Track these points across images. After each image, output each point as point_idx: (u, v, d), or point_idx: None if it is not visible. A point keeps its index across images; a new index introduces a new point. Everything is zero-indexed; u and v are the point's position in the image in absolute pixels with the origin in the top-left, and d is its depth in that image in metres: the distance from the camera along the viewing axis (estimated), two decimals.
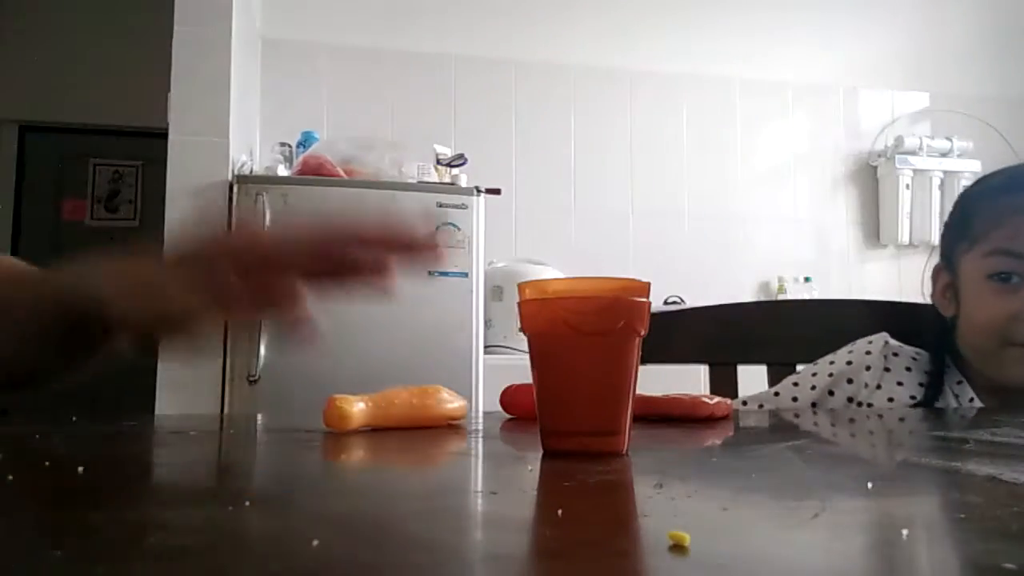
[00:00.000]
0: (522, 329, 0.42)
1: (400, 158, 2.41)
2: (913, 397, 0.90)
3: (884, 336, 0.97)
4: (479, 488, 0.33)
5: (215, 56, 2.19)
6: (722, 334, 1.09)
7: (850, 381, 0.93)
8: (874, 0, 2.99)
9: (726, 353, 1.02)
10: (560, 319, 0.39)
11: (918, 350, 0.95)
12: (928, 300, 1.00)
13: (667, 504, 0.28)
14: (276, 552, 0.21)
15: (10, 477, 0.29)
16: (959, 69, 3.24)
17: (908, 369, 0.93)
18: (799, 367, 1.02)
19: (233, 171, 2.27)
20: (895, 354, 0.94)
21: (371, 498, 0.30)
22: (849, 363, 0.94)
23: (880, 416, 0.76)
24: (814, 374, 0.95)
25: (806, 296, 2.97)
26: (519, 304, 0.42)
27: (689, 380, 1.18)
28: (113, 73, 3.15)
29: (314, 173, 2.33)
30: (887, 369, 0.93)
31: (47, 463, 0.36)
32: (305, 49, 2.95)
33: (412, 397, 0.55)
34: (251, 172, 2.42)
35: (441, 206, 2.38)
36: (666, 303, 2.93)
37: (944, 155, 3.13)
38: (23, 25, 3.30)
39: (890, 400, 0.91)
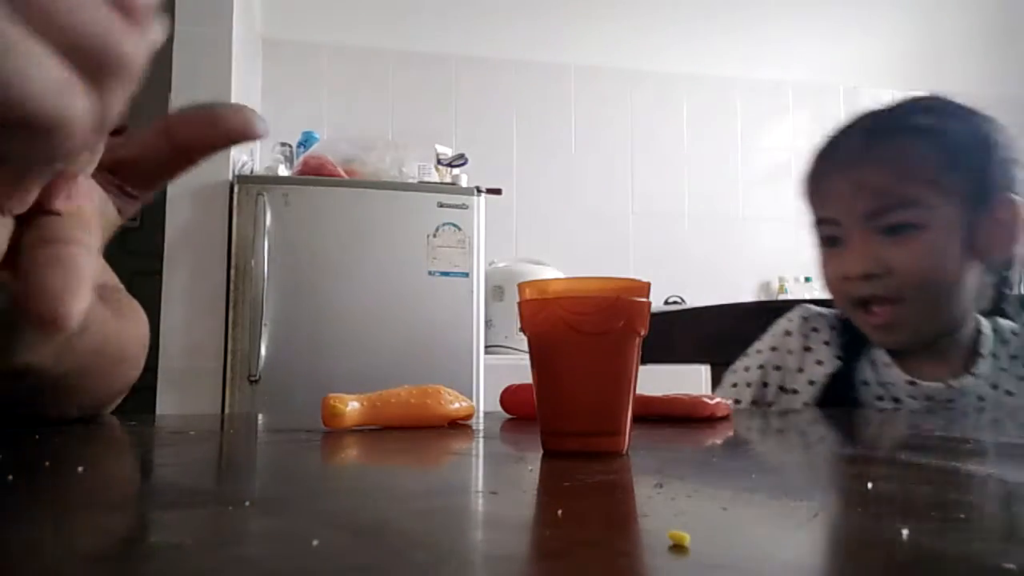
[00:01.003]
0: (522, 329, 0.42)
1: (401, 158, 2.41)
2: (831, 375, 0.90)
3: (802, 309, 0.96)
4: (479, 488, 0.33)
5: (215, 56, 2.19)
6: (722, 334, 1.09)
7: (777, 368, 0.93)
8: (874, 0, 2.99)
9: (727, 353, 1.02)
10: (560, 319, 0.39)
11: (839, 314, 0.94)
12: None
13: (667, 504, 0.28)
14: (276, 552, 0.21)
15: (10, 477, 0.29)
16: (959, 69, 3.24)
17: (826, 343, 0.92)
18: None
19: (234, 171, 2.27)
20: (815, 329, 0.94)
21: (371, 498, 0.30)
22: (774, 348, 0.94)
23: (879, 413, 0.76)
24: (747, 368, 0.95)
25: (807, 296, 2.97)
26: (519, 304, 0.42)
27: (689, 380, 1.19)
28: None
29: (315, 173, 2.33)
30: (807, 348, 0.93)
31: (47, 463, 0.36)
32: (305, 49, 2.95)
33: (411, 397, 0.55)
34: (252, 172, 2.42)
35: (442, 206, 2.39)
36: (666, 303, 2.93)
37: None
38: None
39: (811, 383, 0.90)
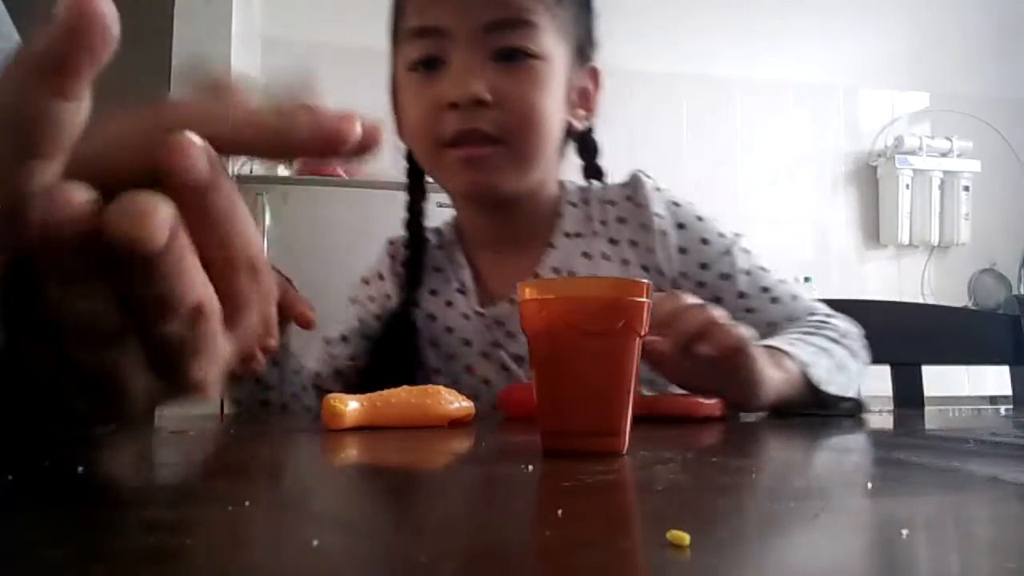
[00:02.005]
0: (522, 329, 0.42)
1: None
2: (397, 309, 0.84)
3: (386, 244, 0.93)
4: (479, 488, 0.33)
5: (215, 56, 2.19)
6: None
7: (372, 299, 0.89)
8: (874, 0, 2.98)
9: None
10: (560, 319, 0.39)
11: (437, 229, 0.91)
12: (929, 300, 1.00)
13: (667, 504, 0.28)
14: (276, 552, 0.21)
15: (10, 477, 0.29)
16: (959, 69, 3.24)
17: (397, 274, 0.88)
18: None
19: (233, 170, 2.26)
20: (392, 256, 0.90)
21: (371, 498, 0.30)
22: (365, 282, 0.90)
23: (880, 412, 0.76)
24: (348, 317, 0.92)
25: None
26: (519, 304, 0.42)
27: None
28: (112, 73, 3.15)
29: (314, 173, 2.33)
30: (381, 277, 0.90)
31: (47, 463, 0.36)
32: (305, 49, 2.94)
33: (411, 397, 0.55)
34: (251, 171, 2.42)
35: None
36: None
37: (944, 155, 3.13)
38: (22, 25, 3.30)
39: (377, 319, 0.86)
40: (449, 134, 0.74)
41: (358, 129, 0.27)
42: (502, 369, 0.81)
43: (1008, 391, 1.12)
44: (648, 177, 0.87)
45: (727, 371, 0.60)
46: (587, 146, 0.90)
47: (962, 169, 3.12)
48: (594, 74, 0.85)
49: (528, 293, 0.41)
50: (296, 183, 2.27)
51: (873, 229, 3.23)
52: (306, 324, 0.66)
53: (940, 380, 1.17)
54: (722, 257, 0.82)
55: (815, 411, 0.70)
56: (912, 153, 3.11)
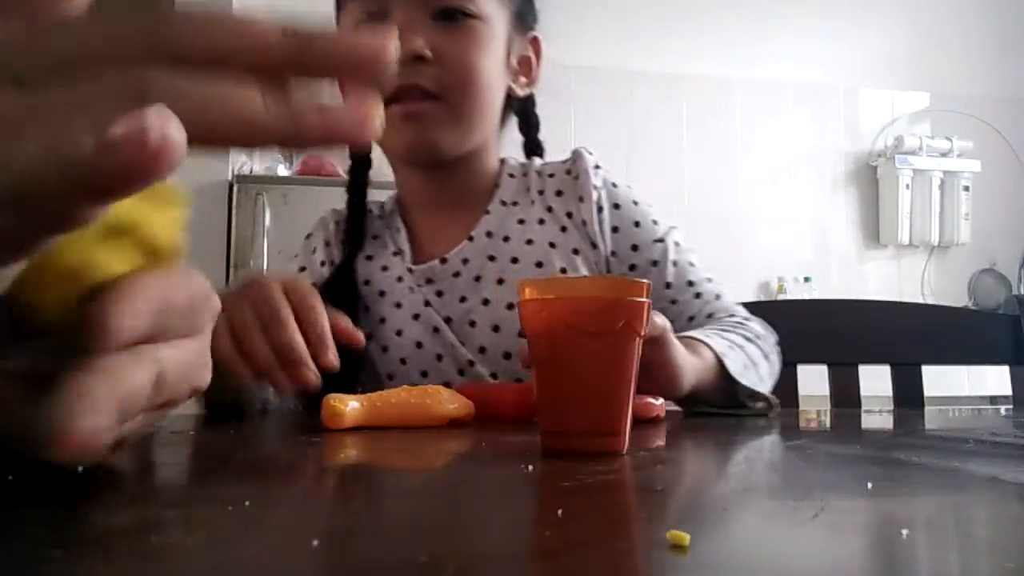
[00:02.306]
0: (522, 329, 0.42)
1: None
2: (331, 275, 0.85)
3: (330, 212, 0.92)
4: (479, 488, 0.33)
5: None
6: None
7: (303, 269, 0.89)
8: (874, 0, 2.99)
9: None
10: (560, 319, 0.39)
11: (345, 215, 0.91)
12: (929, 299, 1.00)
13: (667, 504, 0.28)
14: (276, 552, 0.21)
15: (10, 477, 0.29)
16: (959, 69, 3.24)
17: (327, 243, 0.89)
18: (799, 367, 1.02)
19: (233, 171, 2.27)
20: (326, 227, 0.91)
21: (371, 497, 0.30)
22: (303, 269, 0.89)
23: (880, 412, 0.76)
24: None
25: (806, 296, 2.97)
26: (519, 304, 0.42)
27: None
28: None
29: (314, 173, 2.33)
30: (314, 250, 0.89)
31: (47, 463, 0.36)
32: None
33: (411, 397, 0.55)
34: (251, 172, 2.42)
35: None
36: None
37: (944, 155, 3.13)
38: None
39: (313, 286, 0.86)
40: (388, 90, 0.74)
41: (373, 128, 0.25)
42: (433, 331, 0.81)
43: (1008, 391, 1.12)
44: (590, 153, 0.88)
45: (646, 358, 0.61)
46: (528, 120, 0.92)
47: (962, 169, 3.12)
48: (535, 43, 0.88)
49: (528, 293, 0.41)
50: (296, 183, 2.27)
51: (873, 229, 3.23)
52: (355, 343, 0.66)
53: (940, 380, 1.17)
54: (654, 244, 0.85)
55: (730, 409, 0.71)
56: (912, 153, 3.11)
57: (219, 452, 0.46)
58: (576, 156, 0.88)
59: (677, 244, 0.85)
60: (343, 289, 0.83)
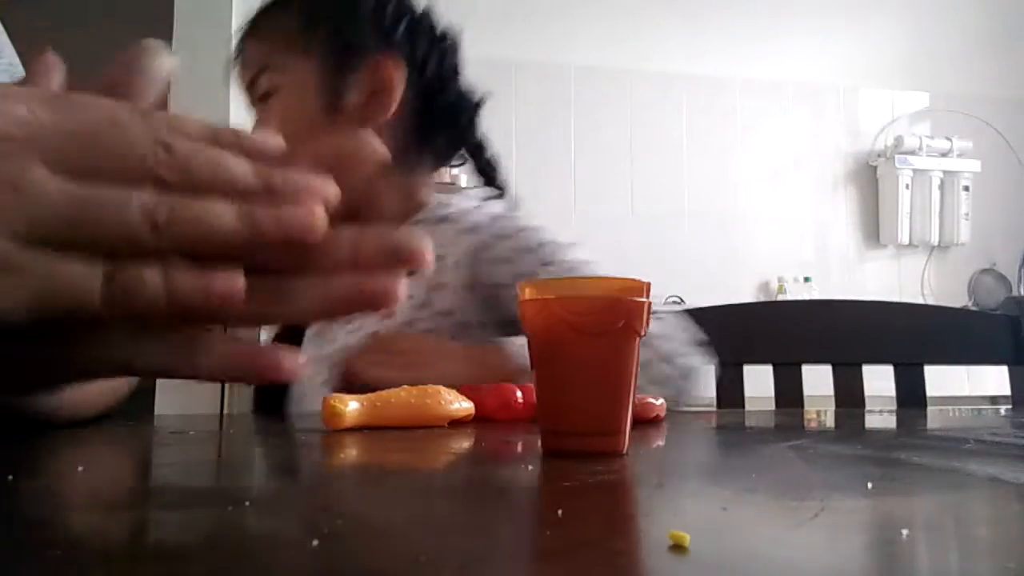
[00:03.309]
0: (522, 329, 0.42)
1: None
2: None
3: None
4: (479, 488, 0.33)
5: (215, 56, 2.19)
6: (721, 334, 1.09)
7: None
8: (874, 0, 2.99)
9: (725, 353, 1.02)
10: (560, 319, 0.39)
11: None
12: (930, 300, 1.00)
13: (667, 504, 0.28)
14: (276, 552, 0.21)
15: (10, 477, 0.29)
16: (959, 69, 3.24)
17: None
18: (804, 367, 1.02)
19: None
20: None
21: (371, 498, 0.30)
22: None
23: (880, 412, 0.76)
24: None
25: (806, 296, 2.97)
26: (519, 304, 0.42)
27: None
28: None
29: None
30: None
31: (47, 463, 0.36)
32: None
33: (411, 397, 0.55)
34: None
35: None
36: (666, 303, 2.93)
37: (944, 155, 3.12)
38: (21, 25, 3.30)
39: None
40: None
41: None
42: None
43: (1008, 391, 1.12)
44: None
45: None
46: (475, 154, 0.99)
47: (962, 169, 3.12)
48: (380, 65, 0.87)
49: (528, 293, 0.41)
50: None
51: (873, 229, 3.23)
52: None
53: (940, 380, 1.17)
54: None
55: None
56: (912, 153, 3.10)
57: (219, 452, 0.46)
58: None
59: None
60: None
